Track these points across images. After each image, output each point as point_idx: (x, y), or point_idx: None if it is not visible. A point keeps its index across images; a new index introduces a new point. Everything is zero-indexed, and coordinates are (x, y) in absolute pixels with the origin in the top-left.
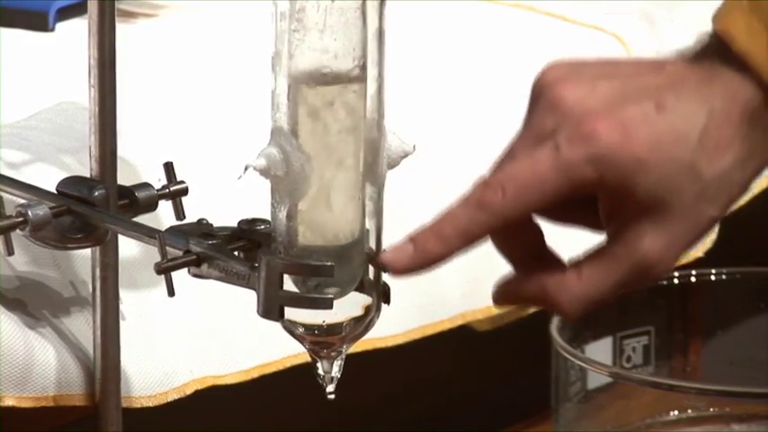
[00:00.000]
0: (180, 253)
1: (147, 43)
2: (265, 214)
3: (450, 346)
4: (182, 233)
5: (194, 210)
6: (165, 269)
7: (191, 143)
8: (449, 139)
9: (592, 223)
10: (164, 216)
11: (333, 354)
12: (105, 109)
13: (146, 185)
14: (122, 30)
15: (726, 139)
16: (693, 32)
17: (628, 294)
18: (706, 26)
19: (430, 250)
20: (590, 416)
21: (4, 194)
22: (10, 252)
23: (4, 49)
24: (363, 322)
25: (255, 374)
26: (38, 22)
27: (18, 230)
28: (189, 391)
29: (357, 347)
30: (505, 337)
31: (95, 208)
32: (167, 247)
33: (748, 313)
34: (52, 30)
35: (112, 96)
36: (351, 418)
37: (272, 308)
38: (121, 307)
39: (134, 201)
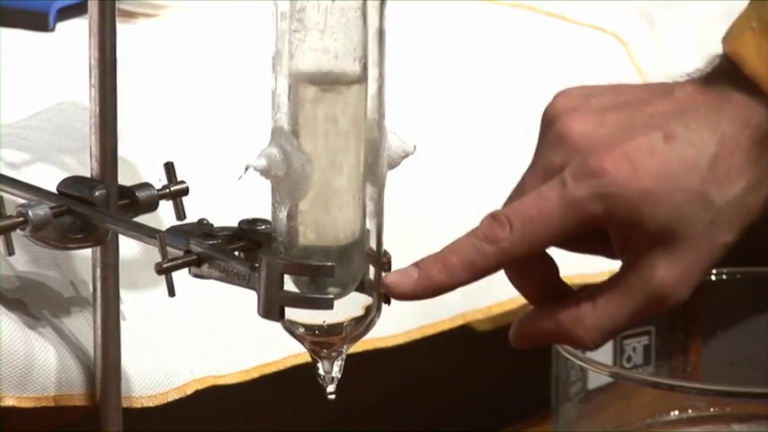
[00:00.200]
0: (180, 253)
1: (147, 43)
2: (266, 214)
3: (451, 346)
4: (182, 233)
5: (195, 210)
6: (165, 269)
7: (191, 143)
8: (449, 139)
9: (610, 252)
10: (164, 216)
11: (333, 354)
12: (106, 109)
13: (146, 185)
14: (123, 30)
15: (737, 166)
16: (693, 32)
17: None
18: (706, 26)
19: (434, 278)
20: (590, 416)
21: (4, 194)
22: (10, 252)
23: (4, 49)
24: (364, 322)
25: (256, 374)
26: (38, 22)
27: (18, 230)
28: (189, 391)
29: (357, 347)
30: (505, 337)
31: (96, 208)
32: (168, 248)
33: (748, 313)
34: (52, 30)
35: (113, 96)
36: (351, 418)
37: (272, 308)
38: (122, 307)
39: (134, 201)
